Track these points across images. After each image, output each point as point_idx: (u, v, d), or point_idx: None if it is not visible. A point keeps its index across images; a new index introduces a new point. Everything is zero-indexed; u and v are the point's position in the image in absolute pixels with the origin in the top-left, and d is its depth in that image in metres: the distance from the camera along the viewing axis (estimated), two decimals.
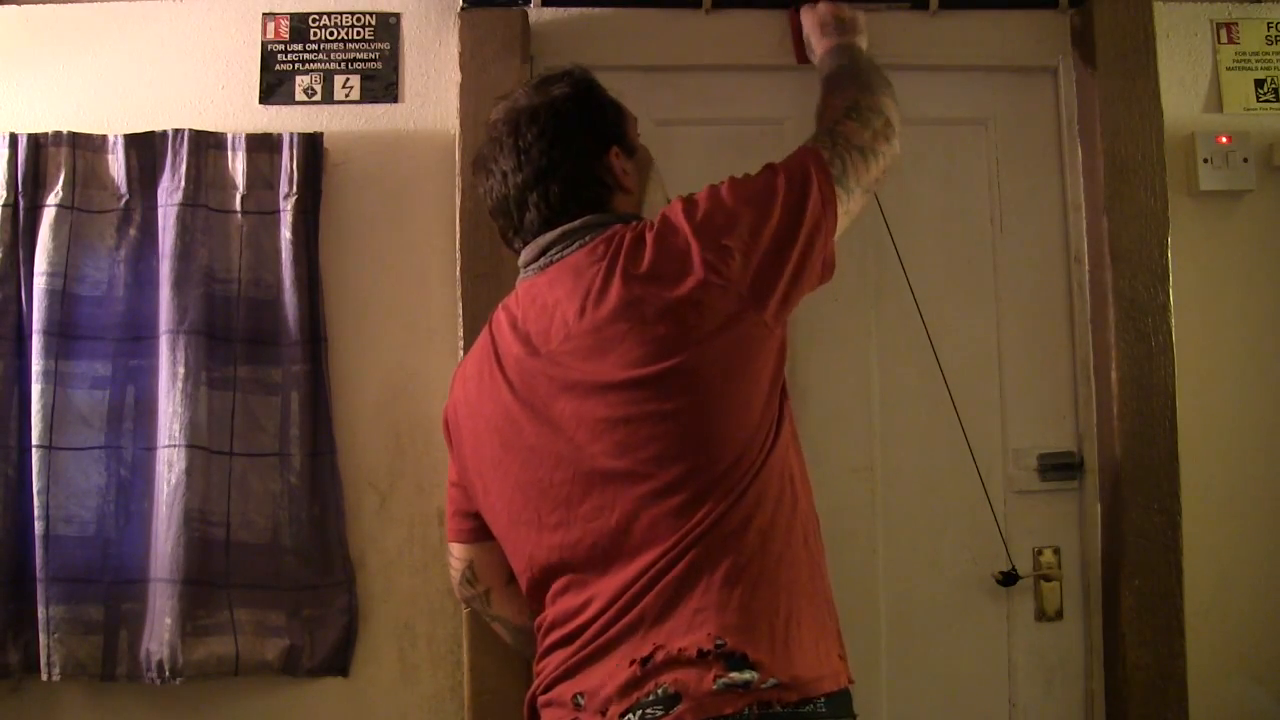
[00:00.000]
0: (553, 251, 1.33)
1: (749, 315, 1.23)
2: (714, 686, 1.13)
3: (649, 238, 1.26)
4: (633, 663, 1.16)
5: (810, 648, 1.19)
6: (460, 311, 1.81)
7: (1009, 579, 1.84)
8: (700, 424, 1.20)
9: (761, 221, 1.27)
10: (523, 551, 1.30)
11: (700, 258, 1.23)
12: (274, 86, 1.91)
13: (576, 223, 1.32)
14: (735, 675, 1.13)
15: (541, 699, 1.26)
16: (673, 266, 1.23)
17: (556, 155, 1.33)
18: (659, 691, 1.14)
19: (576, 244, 1.31)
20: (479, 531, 1.42)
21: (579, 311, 1.25)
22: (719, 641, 1.14)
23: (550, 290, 1.30)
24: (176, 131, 1.80)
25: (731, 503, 1.18)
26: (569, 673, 1.22)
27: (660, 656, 1.15)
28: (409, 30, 1.92)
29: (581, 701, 1.19)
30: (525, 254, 1.37)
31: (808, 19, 1.75)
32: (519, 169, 1.34)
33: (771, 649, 1.15)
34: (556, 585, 1.27)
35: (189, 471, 1.72)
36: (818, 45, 1.71)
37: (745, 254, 1.24)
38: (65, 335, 1.76)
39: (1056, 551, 1.90)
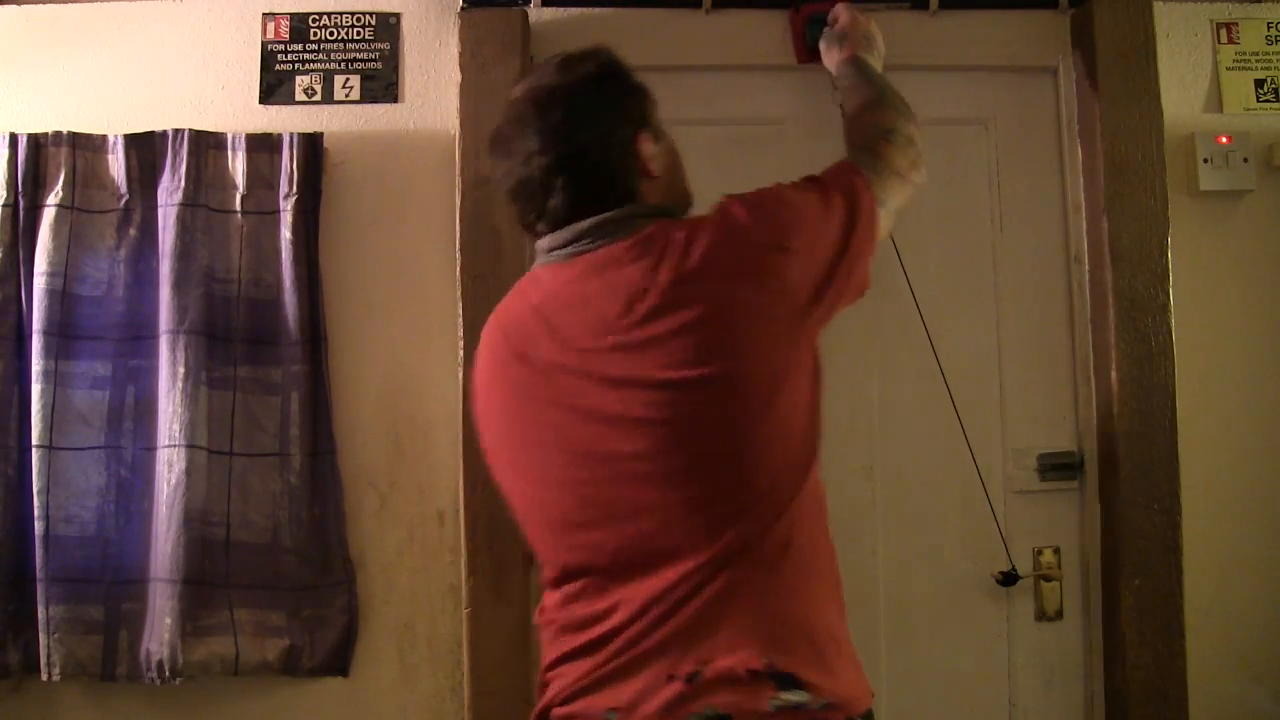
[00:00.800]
0: (585, 241, 1.24)
1: (796, 325, 1.21)
2: (768, 708, 1.10)
3: (705, 238, 1.20)
4: (672, 679, 1.12)
5: (849, 666, 1.18)
6: (460, 311, 1.81)
7: (1009, 579, 1.84)
8: (745, 434, 1.16)
9: (820, 234, 1.25)
10: (543, 548, 1.27)
11: (763, 262, 1.19)
12: (274, 86, 1.91)
13: (614, 213, 1.25)
14: (787, 696, 1.11)
15: (559, 711, 1.20)
16: (731, 268, 1.18)
17: (584, 138, 1.26)
18: (708, 711, 1.11)
19: (616, 236, 1.23)
20: None
21: (622, 308, 1.18)
22: (768, 661, 1.12)
23: (584, 283, 1.23)
24: (176, 131, 1.80)
25: (774, 518, 1.16)
26: (595, 686, 1.17)
27: (708, 674, 1.12)
28: (409, 30, 1.93)
29: (614, 718, 1.14)
30: (550, 239, 1.28)
31: (845, 14, 1.71)
32: (544, 151, 1.25)
33: (818, 668, 1.14)
34: (574, 586, 1.22)
35: (189, 471, 1.73)
36: (843, 46, 1.68)
37: (803, 264, 1.22)
38: (65, 335, 1.76)
39: (1056, 551, 1.90)
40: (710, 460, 1.16)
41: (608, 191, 1.26)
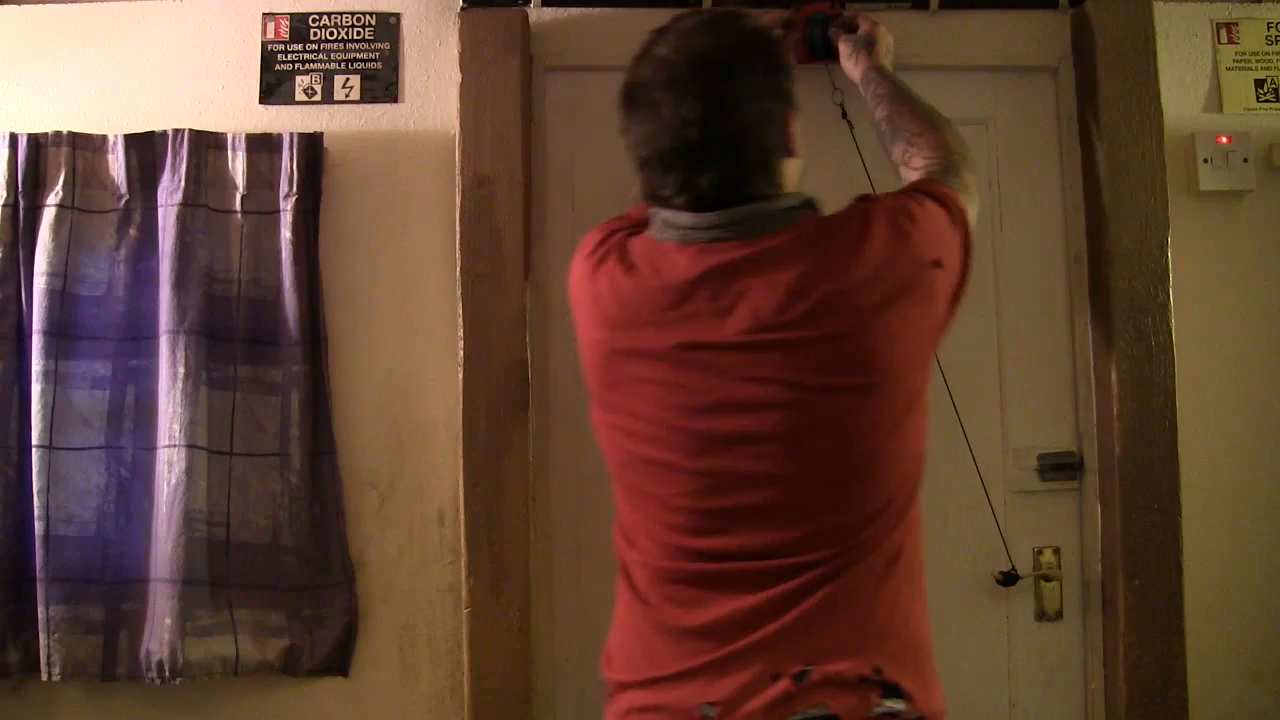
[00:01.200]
0: (735, 229, 1.18)
1: (932, 341, 1.21)
2: (872, 714, 1.10)
3: (872, 245, 1.17)
4: (778, 677, 1.11)
5: (935, 679, 1.19)
6: (460, 311, 1.81)
7: (1009, 579, 1.84)
8: (879, 444, 1.17)
9: (953, 249, 1.25)
10: (643, 519, 1.23)
11: (924, 277, 1.18)
12: (274, 86, 1.91)
13: (768, 206, 1.19)
14: (890, 704, 1.11)
15: (639, 697, 1.17)
16: (895, 281, 1.17)
17: (746, 114, 1.18)
18: (817, 710, 1.10)
19: (772, 228, 1.18)
20: None
21: (778, 306, 1.14)
22: (876, 667, 1.12)
23: (735, 275, 1.17)
24: (176, 131, 1.80)
25: (891, 528, 1.17)
26: (686, 676, 1.15)
27: (816, 675, 1.11)
28: (409, 30, 1.93)
29: (711, 713, 1.12)
30: (693, 218, 1.20)
31: (867, 20, 1.71)
32: (705, 121, 1.16)
33: (915, 679, 1.14)
34: (674, 567, 1.18)
35: (189, 471, 1.73)
36: (870, 55, 1.67)
37: (949, 279, 1.22)
38: (65, 335, 1.76)
39: (1056, 551, 1.89)
40: (841, 467, 1.16)
41: (758, 172, 1.20)
